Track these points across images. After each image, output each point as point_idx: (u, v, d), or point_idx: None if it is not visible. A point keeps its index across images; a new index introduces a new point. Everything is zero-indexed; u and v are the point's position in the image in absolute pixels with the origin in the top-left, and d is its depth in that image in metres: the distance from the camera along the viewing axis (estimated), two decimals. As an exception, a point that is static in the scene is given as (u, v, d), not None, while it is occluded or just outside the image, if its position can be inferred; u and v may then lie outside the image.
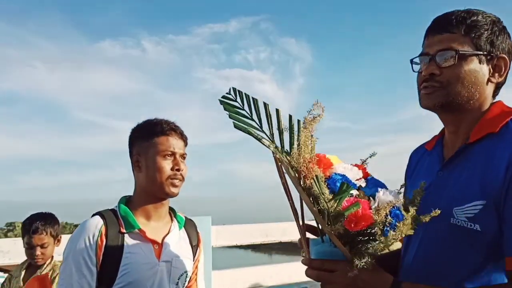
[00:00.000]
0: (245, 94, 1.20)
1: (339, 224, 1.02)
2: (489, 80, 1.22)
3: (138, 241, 1.60)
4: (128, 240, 1.58)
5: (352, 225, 1.01)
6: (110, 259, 1.54)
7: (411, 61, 1.28)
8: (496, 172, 1.10)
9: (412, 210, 1.05)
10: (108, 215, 1.61)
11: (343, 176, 1.11)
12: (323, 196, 1.04)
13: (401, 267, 1.31)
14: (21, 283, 2.96)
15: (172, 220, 1.74)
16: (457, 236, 1.14)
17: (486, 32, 1.20)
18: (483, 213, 1.11)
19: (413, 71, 1.28)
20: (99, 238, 1.55)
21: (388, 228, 1.02)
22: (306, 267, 1.15)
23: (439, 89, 1.21)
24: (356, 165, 1.21)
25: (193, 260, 1.75)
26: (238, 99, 1.20)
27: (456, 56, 1.18)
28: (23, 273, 2.98)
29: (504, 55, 1.22)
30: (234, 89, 1.22)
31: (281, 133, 1.14)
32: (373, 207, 1.06)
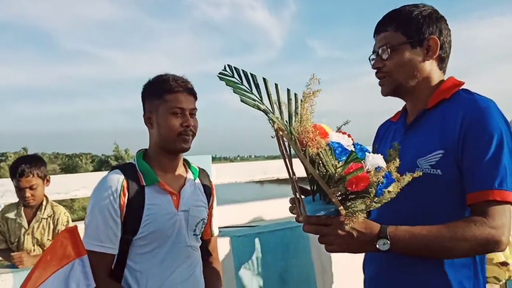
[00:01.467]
0: (242, 70, 1.28)
1: (341, 186, 1.18)
2: (424, 60, 1.50)
3: (158, 193, 1.71)
4: (149, 193, 1.68)
5: (354, 186, 1.18)
6: (133, 211, 1.65)
7: (369, 59, 1.58)
8: (452, 127, 1.39)
9: (394, 168, 1.23)
10: (127, 170, 1.71)
11: (339, 143, 1.25)
12: (331, 163, 1.19)
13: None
14: (26, 225, 3.08)
15: (187, 171, 1.84)
16: (422, 183, 1.34)
17: (413, 23, 1.49)
18: (443, 160, 1.39)
19: (372, 67, 1.57)
20: (121, 192, 1.64)
21: (381, 187, 1.19)
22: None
23: (387, 78, 1.53)
24: (342, 132, 1.33)
25: (208, 208, 1.88)
26: (236, 76, 1.28)
27: (389, 49, 1.50)
28: (23, 214, 3.08)
29: (433, 36, 1.49)
30: (230, 66, 1.30)
31: (280, 106, 1.25)
32: (366, 168, 1.23)
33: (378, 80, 1.56)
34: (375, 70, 1.56)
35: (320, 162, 1.19)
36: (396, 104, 1.70)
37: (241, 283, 2.88)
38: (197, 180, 1.86)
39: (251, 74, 1.28)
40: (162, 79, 1.74)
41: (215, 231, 1.96)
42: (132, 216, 1.65)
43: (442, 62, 1.54)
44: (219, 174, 4.62)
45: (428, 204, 1.41)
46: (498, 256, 1.90)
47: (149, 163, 1.73)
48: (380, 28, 1.55)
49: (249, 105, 1.26)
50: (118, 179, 1.67)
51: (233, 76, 1.29)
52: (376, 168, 1.24)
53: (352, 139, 1.34)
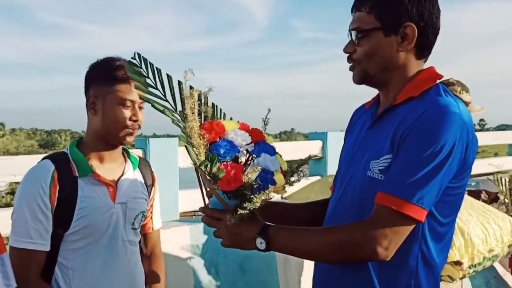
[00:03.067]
0: (149, 62, 1.32)
1: (215, 184, 1.24)
2: (398, 50, 1.32)
3: (92, 184, 1.58)
4: (82, 184, 1.56)
5: (224, 186, 1.22)
6: (65, 204, 1.53)
7: (348, 36, 1.39)
8: (403, 130, 1.25)
9: (280, 177, 1.30)
10: (59, 160, 1.57)
11: (230, 142, 1.28)
12: (195, 162, 1.24)
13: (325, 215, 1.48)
14: None
15: (126, 161, 1.72)
16: (370, 187, 1.28)
17: (390, 5, 1.30)
18: (390, 166, 1.26)
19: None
20: (52, 183, 1.52)
21: (256, 190, 1.22)
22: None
23: (356, 66, 1.37)
24: (254, 129, 1.37)
25: (148, 200, 1.76)
26: (143, 66, 1.32)
27: (359, 34, 1.32)
28: None
29: (410, 23, 1.29)
30: (139, 55, 1.32)
31: (183, 103, 1.31)
32: (249, 168, 1.27)
33: (349, 65, 1.39)
34: (347, 56, 1.38)
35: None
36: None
37: (198, 273, 2.80)
38: (137, 171, 1.73)
39: (157, 69, 1.31)
40: (116, 65, 1.59)
41: (157, 225, 1.84)
42: (64, 209, 1.53)
43: (422, 50, 1.35)
44: (186, 157, 4.50)
45: (369, 210, 1.28)
46: (452, 255, 1.85)
47: (84, 152, 1.60)
48: (356, 5, 1.36)
49: (146, 101, 1.33)
50: (48, 170, 1.53)
51: (140, 67, 1.32)
52: (263, 170, 1.26)
53: (262, 136, 1.36)
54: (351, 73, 1.40)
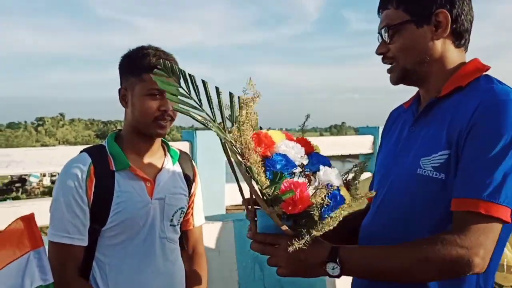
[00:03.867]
0: (179, 68, 1.18)
1: (277, 207, 1.06)
2: (434, 39, 1.26)
3: (130, 179, 1.53)
4: (119, 178, 1.52)
5: (290, 208, 1.05)
6: (101, 198, 1.49)
7: (378, 40, 1.33)
8: (461, 123, 1.16)
9: (345, 192, 1.13)
10: (95, 153, 1.53)
11: (284, 156, 1.12)
12: (259, 183, 1.06)
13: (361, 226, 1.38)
14: None
15: (165, 154, 1.65)
16: (422, 186, 1.19)
17: None
18: (448, 163, 1.17)
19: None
20: (88, 177, 1.48)
21: (327, 209, 1.06)
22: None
23: (394, 65, 1.30)
24: (300, 139, 1.23)
25: (189, 195, 1.69)
26: (174, 76, 1.19)
27: (390, 31, 1.27)
28: None
29: (442, 10, 1.24)
30: (165, 63, 1.19)
31: (222, 112, 1.14)
32: (314, 185, 1.11)
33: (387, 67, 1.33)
34: (381, 58, 1.32)
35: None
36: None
37: (243, 269, 2.73)
38: (177, 165, 1.66)
39: (190, 75, 1.15)
40: (142, 54, 1.53)
41: (199, 221, 1.77)
42: (100, 204, 1.49)
43: (459, 38, 1.27)
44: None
45: (423, 211, 1.19)
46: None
47: (121, 146, 1.55)
48: (382, 4, 1.31)
49: (183, 113, 1.14)
50: (84, 163, 1.50)
51: (170, 76, 1.19)
52: (327, 185, 1.06)
53: (310, 146, 1.21)
54: None
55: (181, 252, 1.69)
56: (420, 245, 1.14)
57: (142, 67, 1.50)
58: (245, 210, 1.24)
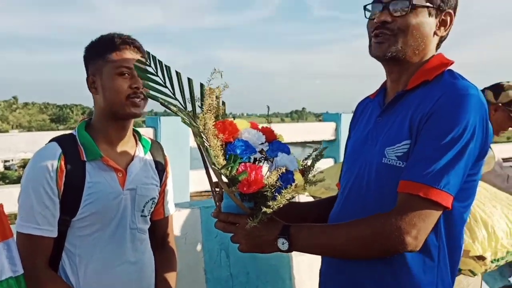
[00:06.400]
0: (158, 60, 1.29)
1: (234, 187, 1.18)
2: (435, 33, 1.32)
3: (101, 169, 1.52)
4: (90, 169, 1.50)
5: (245, 188, 1.17)
6: (72, 189, 1.47)
7: (364, 8, 1.35)
8: (422, 114, 1.21)
9: (299, 176, 1.25)
10: (66, 142, 1.51)
11: (245, 142, 1.24)
12: (216, 164, 1.18)
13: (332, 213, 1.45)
14: None
15: (136, 144, 1.64)
16: (387, 174, 1.25)
17: None
18: (409, 152, 1.22)
19: (365, 17, 1.36)
20: (58, 167, 1.46)
21: (279, 190, 1.18)
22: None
23: (390, 37, 1.29)
24: (264, 128, 1.33)
25: (160, 186, 1.69)
26: (152, 65, 1.30)
27: (409, 7, 1.26)
28: None
29: (451, 11, 1.31)
30: (148, 53, 1.32)
31: (193, 101, 1.27)
32: (272, 169, 1.22)
33: (375, 36, 1.31)
34: (376, 25, 1.30)
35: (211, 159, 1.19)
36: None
37: (209, 256, 2.75)
38: (148, 155, 1.65)
39: (166, 66, 1.28)
40: (106, 37, 1.53)
41: (170, 210, 1.77)
42: (71, 194, 1.47)
43: (441, 42, 1.37)
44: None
45: (389, 199, 1.23)
46: (475, 250, 1.77)
47: (92, 135, 1.53)
48: None
49: (155, 100, 1.28)
50: (54, 153, 1.47)
51: (149, 65, 1.30)
52: (286, 170, 1.20)
53: (274, 135, 1.33)
54: (364, 53, 1.36)
55: (150, 242, 1.69)
56: (359, 223, 1.23)
57: (108, 48, 1.50)
58: (212, 193, 1.34)
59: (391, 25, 1.28)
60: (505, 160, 4.93)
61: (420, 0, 1.28)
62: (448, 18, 1.32)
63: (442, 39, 1.36)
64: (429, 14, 1.29)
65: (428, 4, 1.28)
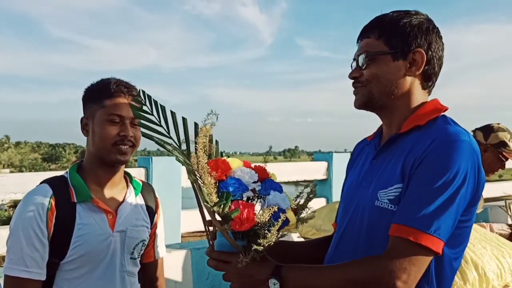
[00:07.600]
0: (154, 100, 1.33)
1: (227, 225, 1.19)
2: (406, 74, 1.32)
3: (91, 211, 1.51)
4: (80, 211, 1.50)
5: (237, 226, 1.18)
6: (62, 231, 1.46)
7: (351, 66, 1.40)
8: (414, 158, 1.23)
9: (291, 214, 1.27)
10: (57, 184, 1.51)
11: (238, 180, 1.25)
12: (209, 202, 1.19)
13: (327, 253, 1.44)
14: None
15: (127, 186, 1.64)
16: (379, 217, 1.25)
17: (399, 31, 1.31)
18: (401, 196, 1.23)
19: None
20: (49, 208, 1.45)
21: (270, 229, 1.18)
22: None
23: (361, 88, 1.35)
24: (257, 167, 1.35)
25: (150, 227, 1.68)
26: (148, 104, 1.33)
27: (367, 58, 1.32)
28: None
29: (420, 49, 1.31)
30: (143, 92, 1.34)
31: (188, 140, 1.30)
32: (264, 207, 1.24)
33: (353, 90, 1.38)
34: (352, 81, 1.37)
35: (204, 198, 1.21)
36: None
37: (200, 299, 2.70)
38: (139, 197, 1.66)
39: (161, 106, 1.31)
40: (103, 83, 1.56)
41: (160, 253, 1.76)
42: (61, 236, 1.46)
43: (427, 80, 1.35)
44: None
45: (382, 241, 1.23)
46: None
47: (83, 177, 1.54)
48: (363, 34, 1.38)
49: (149, 138, 1.30)
50: (45, 195, 1.47)
51: (145, 104, 1.33)
52: (278, 209, 1.21)
53: (266, 173, 1.34)
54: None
55: (140, 286, 1.67)
56: (350, 266, 1.22)
57: (103, 93, 1.53)
58: (205, 231, 1.33)
59: (361, 78, 1.34)
60: (495, 199, 4.97)
61: (378, 48, 1.32)
62: (418, 56, 1.31)
63: (426, 78, 1.34)
64: (394, 59, 1.31)
65: (387, 50, 1.31)
